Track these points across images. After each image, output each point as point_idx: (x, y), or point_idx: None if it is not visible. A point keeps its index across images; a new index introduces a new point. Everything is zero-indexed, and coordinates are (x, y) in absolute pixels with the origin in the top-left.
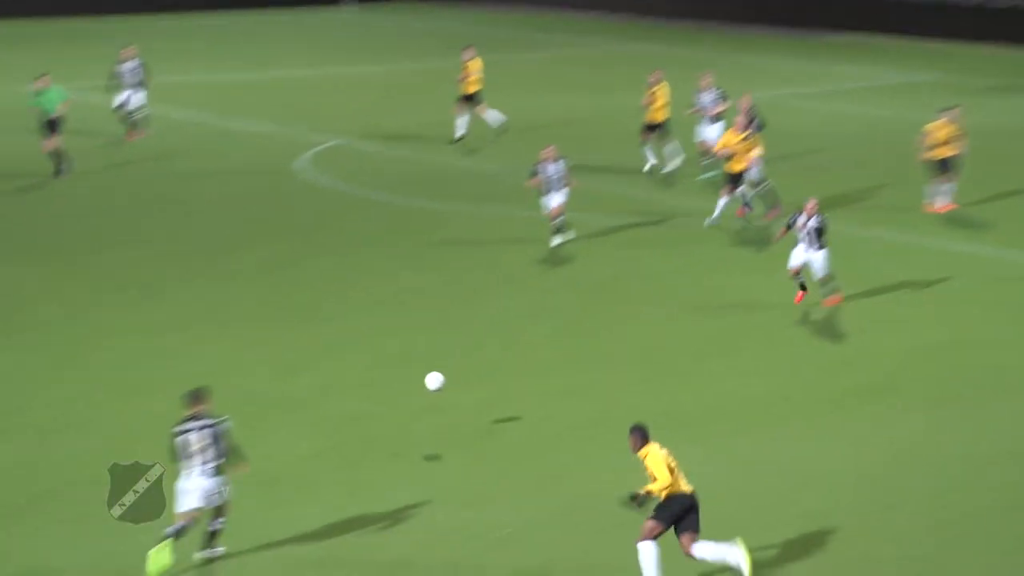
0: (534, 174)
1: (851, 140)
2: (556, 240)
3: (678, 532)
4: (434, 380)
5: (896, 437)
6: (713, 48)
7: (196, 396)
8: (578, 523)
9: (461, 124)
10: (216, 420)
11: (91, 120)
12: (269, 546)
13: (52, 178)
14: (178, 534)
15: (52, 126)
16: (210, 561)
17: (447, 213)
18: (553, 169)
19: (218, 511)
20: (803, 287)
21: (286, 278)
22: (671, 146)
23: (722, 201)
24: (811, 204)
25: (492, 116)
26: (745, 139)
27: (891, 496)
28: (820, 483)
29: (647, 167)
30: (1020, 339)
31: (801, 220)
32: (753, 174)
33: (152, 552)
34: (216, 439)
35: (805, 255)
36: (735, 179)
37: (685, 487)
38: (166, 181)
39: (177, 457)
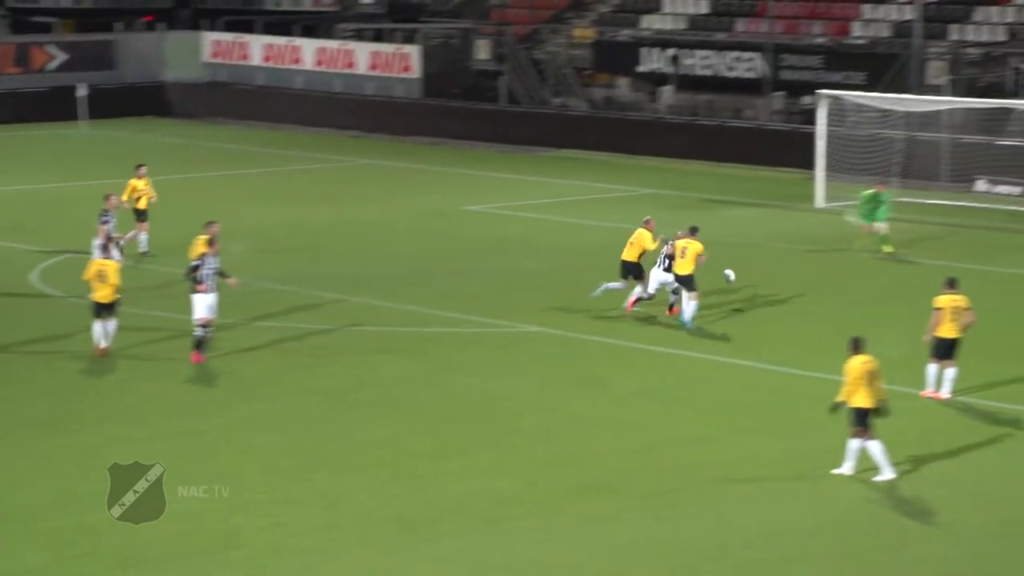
0: None
1: (571, 250)
2: None
3: None
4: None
5: (620, 532)
6: (441, 162)
7: None
8: None
9: (142, 240)
10: None
11: None
12: None
13: None
14: None
15: None
16: None
17: (181, 322)
18: None
19: None
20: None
21: (21, 390)
22: None
23: None
24: None
25: (144, 238)
26: None
27: None
28: None
29: None
30: (721, 436)
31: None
32: None
33: None
34: None
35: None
36: None
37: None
38: None
39: None
